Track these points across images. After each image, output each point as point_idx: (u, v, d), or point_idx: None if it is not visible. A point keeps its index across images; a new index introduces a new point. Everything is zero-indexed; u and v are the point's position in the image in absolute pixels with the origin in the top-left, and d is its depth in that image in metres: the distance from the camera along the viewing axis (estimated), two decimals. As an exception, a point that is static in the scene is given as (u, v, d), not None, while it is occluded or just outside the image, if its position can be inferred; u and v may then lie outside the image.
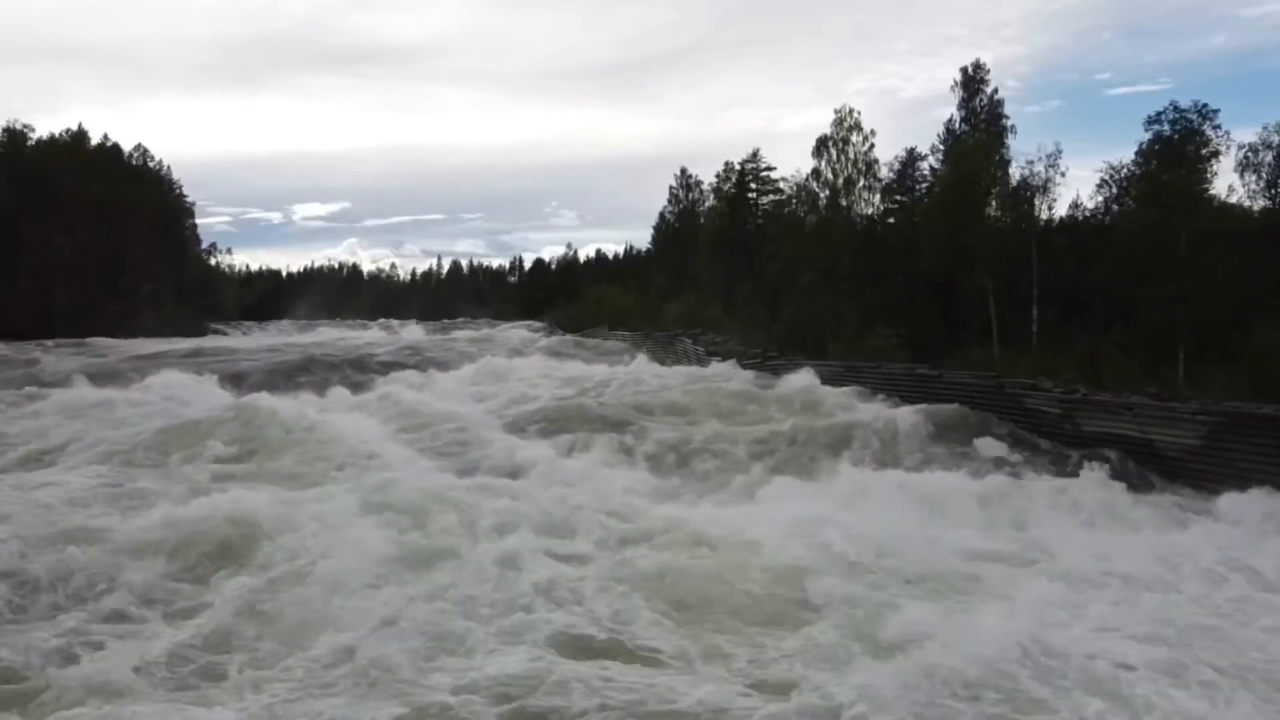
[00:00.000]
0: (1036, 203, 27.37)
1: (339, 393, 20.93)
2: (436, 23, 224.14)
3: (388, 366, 27.40)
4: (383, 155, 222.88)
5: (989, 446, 14.72)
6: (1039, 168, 28.18)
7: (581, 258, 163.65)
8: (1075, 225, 29.10)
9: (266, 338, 45.75)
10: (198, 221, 75.20)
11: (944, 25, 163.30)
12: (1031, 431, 15.72)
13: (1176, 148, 24.14)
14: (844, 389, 19.87)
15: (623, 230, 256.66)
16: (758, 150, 50.77)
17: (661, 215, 64.81)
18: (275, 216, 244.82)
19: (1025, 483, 13.31)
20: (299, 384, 23.78)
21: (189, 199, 73.23)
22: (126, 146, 67.69)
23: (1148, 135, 25.56)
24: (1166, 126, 24.50)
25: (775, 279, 42.21)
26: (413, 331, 67.44)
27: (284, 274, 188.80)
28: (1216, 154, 24.52)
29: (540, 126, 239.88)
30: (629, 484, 12.84)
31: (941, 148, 40.36)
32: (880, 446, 15.00)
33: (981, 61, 41.71)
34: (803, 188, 45.12)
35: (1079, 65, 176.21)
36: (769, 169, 50.70)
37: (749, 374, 24.63)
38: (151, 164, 68.06)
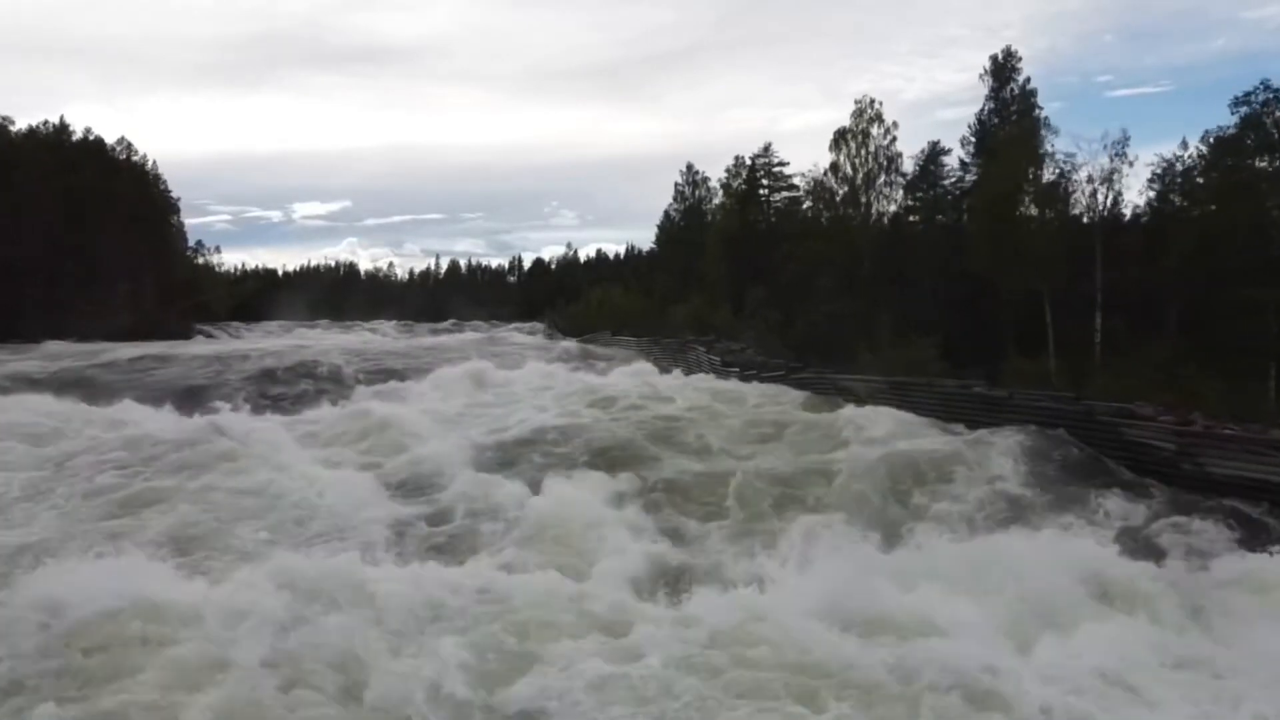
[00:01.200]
0: (1099, 196, 24.40)
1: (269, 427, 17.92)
2: (437, 22, 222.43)
3: (338, 383, 24.36)
4: (383, 154, 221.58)
5: (1114, 502, 11.51)
6: (1102, 158, 25.12)
7: (581, 258, 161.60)
8: (1125, 224, 26.17)
9: (241, 343, 42.67)
10: (198, 221, 73.11)
11: (945, 26, 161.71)
12: (1137, 471, 12.79)
13: (1269, 130, 21.25)
14: (889, 410, 16.94)
15: (623, 230, 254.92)
16: (769, 145, 48.00)
17: (666, 214, 61.94)
18: (275, 215, 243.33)
19: (1209, 562, 9.61)
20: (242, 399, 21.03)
21: (174, 195, 70.43)
22: (144, 154, 65.28)
23: (1233, 119, 22.68)
24: (1258, 107, 21.59)
25: (791, 281, 39.35)
26: (388, 331, 64.98)
27: (280, 273, 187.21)
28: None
29: (540, 126, 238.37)
30: (645, 563, 9.70)
31: (973, 139, 37.53)
32: (976, 496, 11.84)
33: (1013, 49, 38.98)
34: (820, 183, 42.24)
35: (1080, 67, 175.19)
36: (781, 164, 47.92)
37: (772, 388, 21.75)
38: (136, 159, 65.43)
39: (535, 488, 11.96)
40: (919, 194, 40.68)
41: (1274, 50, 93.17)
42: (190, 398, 20.93)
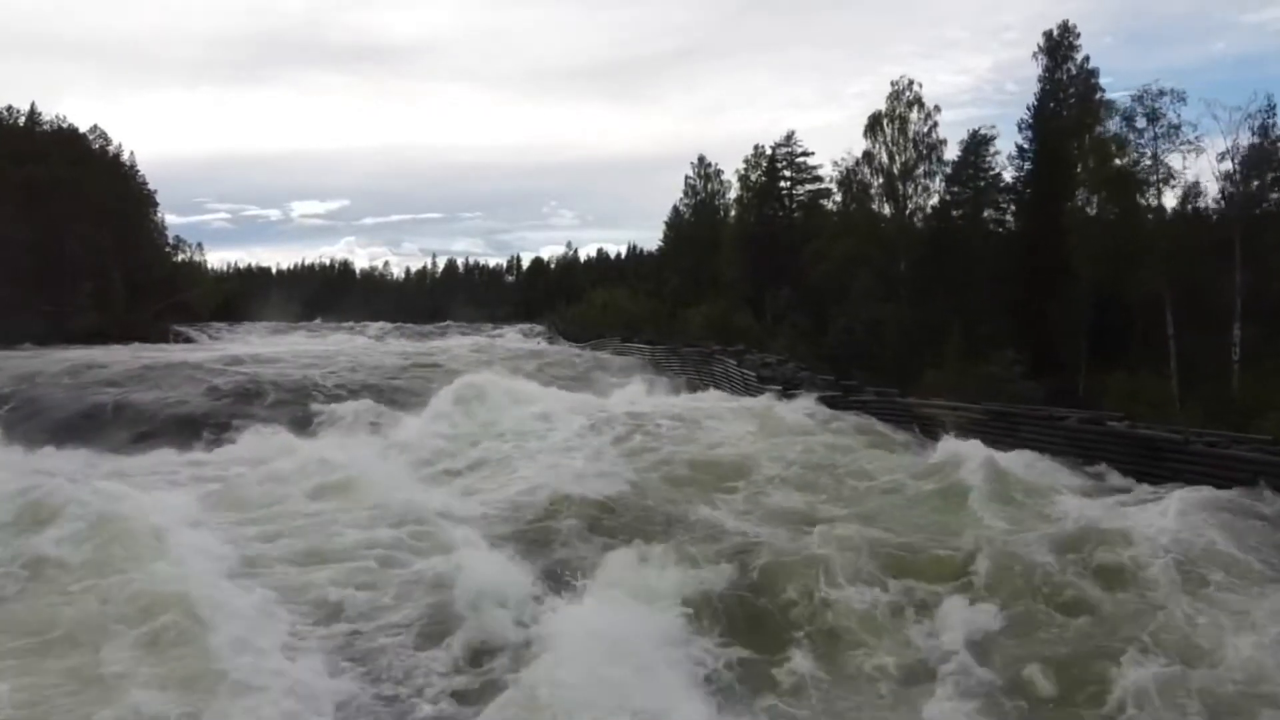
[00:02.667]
0: (1240, 187, 20.08)
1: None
2: (436, 21, 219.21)
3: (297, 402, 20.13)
4: (381, 153, 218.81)
5: None
6: (1243, 136, 20.63)
7: (582, 257, 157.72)
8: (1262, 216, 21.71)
9: (205, 350, 38.22)
10: (196, 219, 69.80)
11: (945, 28, 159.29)
12: None
13: None
14: (1011, 453, 12.91)
15: (622, 230, 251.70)
16: (792, 133, 43.98)
17: (675, 209, 57.90)
18: (273, 214, 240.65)
19: None
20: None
21: (152, 189, 66.35)
22: (120, 144, 61.28)
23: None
24: None
25: (821, 282, 35.36)
26: (376, 332, 60.48)
27: (274, 271, 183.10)
28: None
29: (539, 126, 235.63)
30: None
31: (1031, 122, 33.53)
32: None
33: (1070, 23, 34.99)
34: (851, 174, 38.24)
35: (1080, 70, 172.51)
36: (805, 154, 43.87)
37: (824, 410, 17.75)
38: (111, 149, 61.35)
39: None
40: (961, 186, 36.62)
41: (1274, 54, 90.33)
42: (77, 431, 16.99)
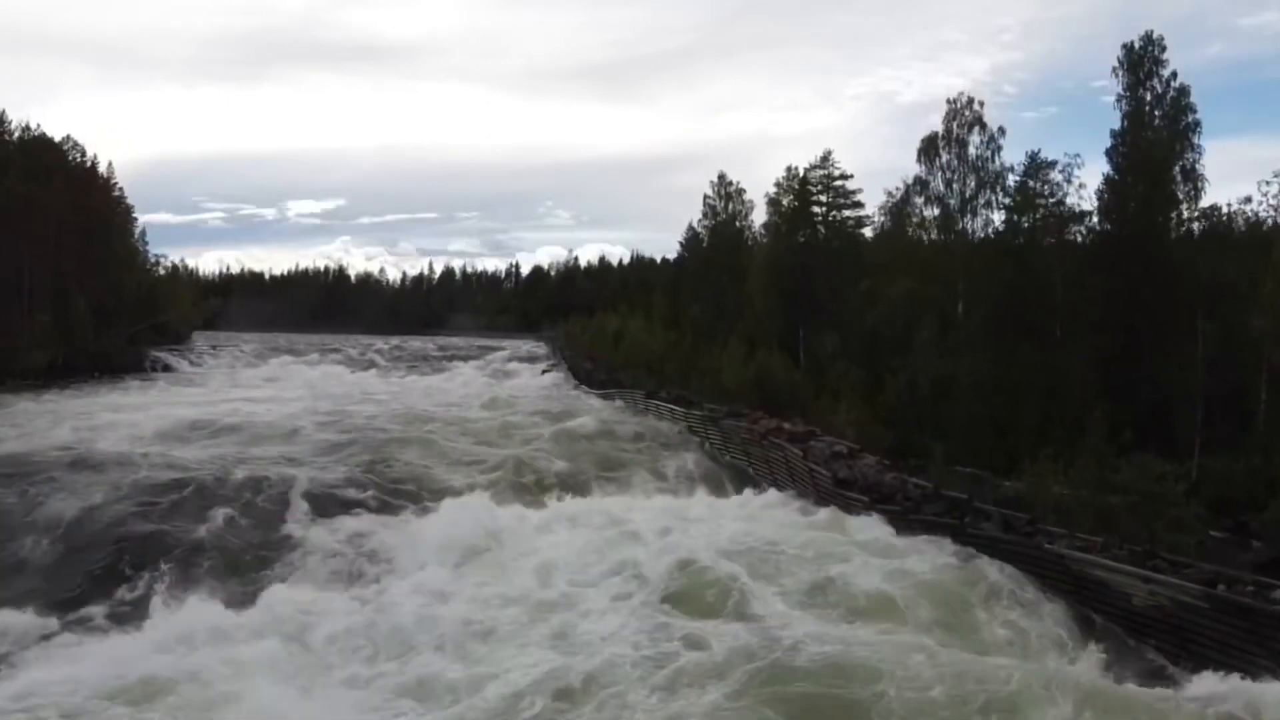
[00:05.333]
0: None
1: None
2: (434, 21, 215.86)
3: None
4: (378, 153, 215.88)
5: None
6: None
7: (582, 261, 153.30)
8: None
9: (164, 403, 32.87)
10: (192, 217, 65.38)
11: (943, 30, 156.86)
12: None
13: None
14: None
15: (618, 230, 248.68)
16: (829, 153, 39.52)
17: (691, 229, 53.49)
18: (269, 213, 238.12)
19: None
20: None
21: (127, 201, 61.90)
22: (95, 155, 56.91)
23: None
24: None
25: (875, 327, 30.99)
26: (375, 356, 54.84)
27: (267, 276, 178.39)
28: None
29: (536, 126, 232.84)
30: None
31: (1121, 149, 29.13)
32: None
33: (1155, 34, 30.50)
34: (903, 203, 33.90)
35: (1076, 72, 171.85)
36: (844, 176, 39.45)
37: (945, 555, 13.30)
38: (83, 160, 56.79)
39: None
40: (1031, 217, 32.04)
41: (1269, 56, 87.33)
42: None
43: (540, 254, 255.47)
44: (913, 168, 33.30)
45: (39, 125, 54.84)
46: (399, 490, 17.54)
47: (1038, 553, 13.29)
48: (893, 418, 27.71)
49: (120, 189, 62.00)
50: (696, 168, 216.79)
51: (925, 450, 27.86)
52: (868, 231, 40.56)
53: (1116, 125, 30.20)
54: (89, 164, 57.69)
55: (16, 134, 53.74)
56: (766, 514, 16.27)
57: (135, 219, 64.60)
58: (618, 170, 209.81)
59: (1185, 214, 28.42)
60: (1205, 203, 29.08)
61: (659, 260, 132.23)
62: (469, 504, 15.97)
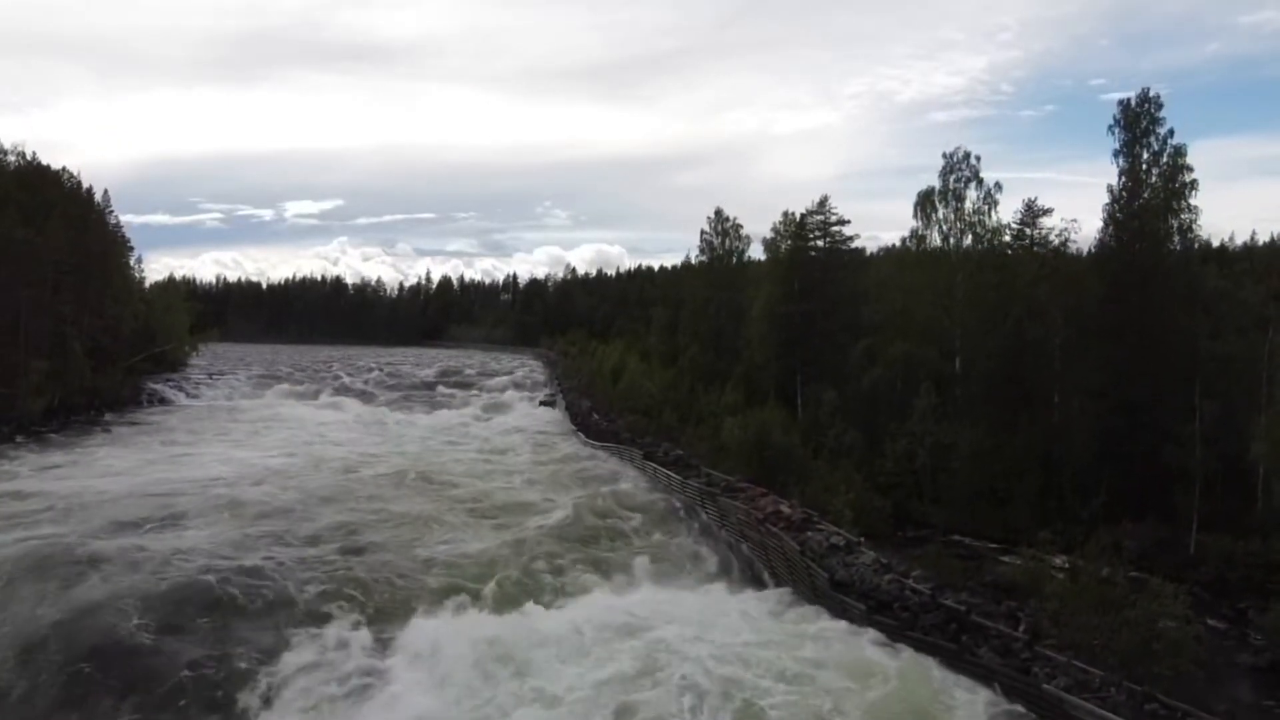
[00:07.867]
0: None
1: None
2: (432, 21, 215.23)
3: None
4: (376, 153, 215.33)
5: None
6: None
7: (579, 261, 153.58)
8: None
9: (139, 469, 31.58)
10: (190, 218, 65.26)
11: (941, 30, 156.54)
12: None
13: None
14: None
15: (616, 230, 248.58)
16: (826, 198, 39.39)
17: (687, 261, 53.62)
18: (267, 214, 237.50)
19: None
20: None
21: (119, 228, 61.57)
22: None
23: None
24: None
25: (873, 389, 30.96)
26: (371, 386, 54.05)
27: (264, 285, 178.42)
28: None
29: (534, 126, 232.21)
30: None
31: (1119, 210, 29.01)
32: None
33: (1151, 92, 30.35)
34: (903, 259, 33.94)
35: (1075, 71, 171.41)
36: (841, 222, 39.34)
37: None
38: (74, 187, 56.47)
39: None
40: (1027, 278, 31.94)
41: (1268, 54, 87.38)
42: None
43: (538, 254, 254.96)
44: (913, 168, 33.83)
45: (34, 154, 54.69)
46: (381, 587, 17.47)
47: (1036, 692, 13.29)
48: (891, 483, 27.71)
49: (117, 219, 62.02)
50: (695, 167, 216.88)
51: (923, 519, 27.93)
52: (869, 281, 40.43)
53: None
54: (85, 193, 57.68)
55: (14, 162, 53.76)
56: (761, 629, 16.16)
57: (132, 248, 64.38)
58: (615, 170, 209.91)
59: (1179, 286, 28.29)
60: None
61: (657, 269, 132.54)
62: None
